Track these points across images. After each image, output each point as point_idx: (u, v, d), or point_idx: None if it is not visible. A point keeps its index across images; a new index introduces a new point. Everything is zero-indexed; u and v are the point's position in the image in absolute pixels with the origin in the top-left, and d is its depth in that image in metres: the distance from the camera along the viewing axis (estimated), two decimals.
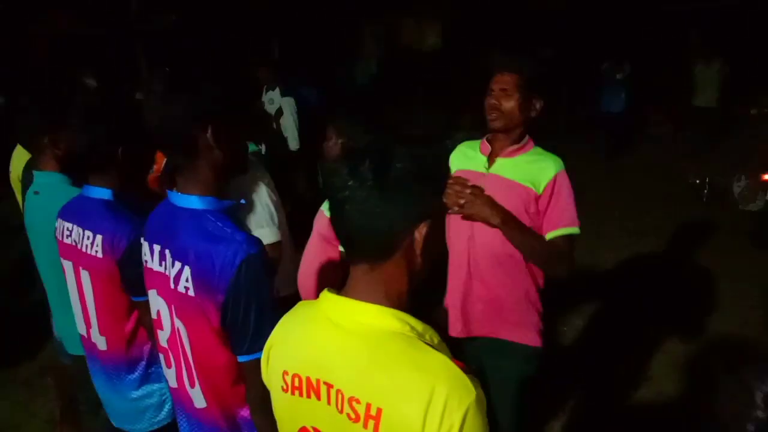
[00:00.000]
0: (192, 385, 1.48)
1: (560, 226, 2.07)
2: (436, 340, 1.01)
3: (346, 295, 1.04)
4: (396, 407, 0.92)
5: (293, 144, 5.70)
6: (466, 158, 2.25)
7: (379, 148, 1.00)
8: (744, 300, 4.36)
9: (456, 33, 12.02)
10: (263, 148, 5.69)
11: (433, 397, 0.90)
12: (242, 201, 1.51)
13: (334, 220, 1.03)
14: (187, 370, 1.48)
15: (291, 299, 1.53)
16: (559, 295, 4.48)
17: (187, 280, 1.35)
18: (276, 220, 2.25)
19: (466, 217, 2.06)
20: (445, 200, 1.90)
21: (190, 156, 1.40)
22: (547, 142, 2.21)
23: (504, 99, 2.09)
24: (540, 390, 2.37)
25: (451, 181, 2.03)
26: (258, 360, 1.22)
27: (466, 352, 2.32)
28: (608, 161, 8.62)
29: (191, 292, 1.35)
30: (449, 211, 2.03)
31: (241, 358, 1.37)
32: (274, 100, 5.74)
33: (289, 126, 5.67)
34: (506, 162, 2.14)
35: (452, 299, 2.30)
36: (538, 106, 2.13)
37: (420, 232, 1.00)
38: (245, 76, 5.97)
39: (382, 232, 0.99)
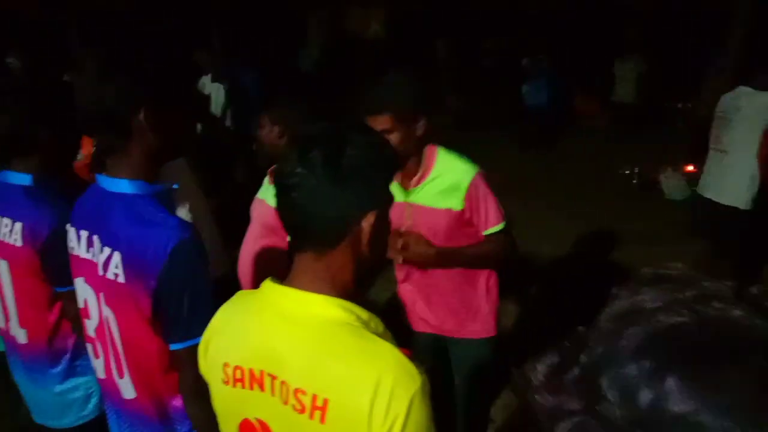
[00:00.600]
0: (121, 375, 1.44)
1: (489, 227, 2.11)
2: (380, 328, 1.01)
3: (291, 284, 1.03)
4: (342, 397, 0.92)
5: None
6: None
7: (331, 134, 0.99)
8: None
9: (400, 21, 12.03)
10: (198, 128, 5.59)
11: (379, 386, 0.90)
12: (174, 185, 1.47)
13: (281, 207, 1.02)
14: (115, 359, 1.43)
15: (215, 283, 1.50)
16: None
17: (116, 267, 1.31)
18: (187, 206, 2.21)
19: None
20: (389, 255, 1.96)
21: (122, 138, 1.35)
22: (481, 134, 2.22)
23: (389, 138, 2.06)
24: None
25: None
26: (191, 348, 1.20)
27: (424, 344, 2.37)
28: (539, 153, 8.87)
29: (121, 279, 1.31)
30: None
31: (173, 346, 1.34)
32: (205, 85, 5.63)
33: (216, 112, 5.59)
34: (422, 190, 2.11)
35: (407, 299, 2.36)
36: (422, 123, 2.02)
37: (368, 221, 1.00)
38: (186, 59, 5.81)
39: (330, 220, 0.98)
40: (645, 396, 0.44)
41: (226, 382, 1.04)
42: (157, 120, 1.35)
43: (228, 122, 5.62)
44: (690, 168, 7.17)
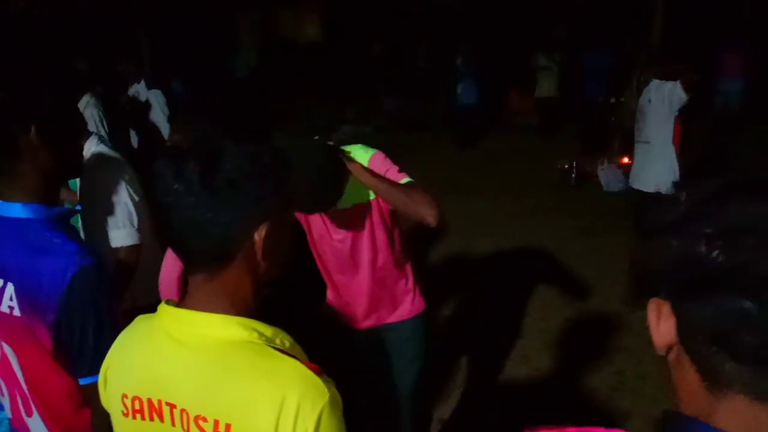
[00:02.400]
0: (29, 414, 1.34)
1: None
2: (287, 342, 0.95)
3: (186, 306, 0.96)
4: (246, 420, 0.87)
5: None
6: None
7: (205, 147, 0.92)
8: (607, 276, 4.67)
9: (335, 25, 11.98)
10: (135, 141, 5.40)
11: (284, 404, 0.85)
12: (78, 207, 1.37)
13: (161, 227, 0.94)
14: (21, 397, 1.32)
15: (155, 307, 1.41)
16: (437, 277, 4.64)
17: (11, 299, 1.21)
18: (135, 221, 2.10)
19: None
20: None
21: (11, 159, 1.24)
22: (417, 135, 2.21)
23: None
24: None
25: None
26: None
27: (359, 343, 2.40)
28: (475, 152, 9.00)
29: (16, 312, 1.20)
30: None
31: (82, 381, 1.25)
32: (140, 93, 5.44)
33: (159, 119, 5.39)
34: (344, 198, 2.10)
35: (340, 296, 2.36)
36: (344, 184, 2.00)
37: (259, 234, 0.93)
38: (99, 67, 5.61)
39: (215, 240, 0.91)
40: None
41: (126, 414, 0.97)
42: (50, 136, 1.24)
43: (165, 131, 5.44)
44: (625, 160, 7.39)
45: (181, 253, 0.96)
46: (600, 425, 0.71)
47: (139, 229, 2.13)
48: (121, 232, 2.07)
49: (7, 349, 1.27)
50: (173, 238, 0.94)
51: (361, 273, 2.25)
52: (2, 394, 1.37)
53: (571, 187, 7.25)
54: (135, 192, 2.14)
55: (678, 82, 3.77)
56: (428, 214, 1.90)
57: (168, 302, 0.98)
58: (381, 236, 2.19)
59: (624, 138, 7.72)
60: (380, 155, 2.10)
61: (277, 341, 0.94)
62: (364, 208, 2.13)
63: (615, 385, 3.43)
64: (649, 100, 3.97)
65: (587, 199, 6.62)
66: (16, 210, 1.24)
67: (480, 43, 9.97)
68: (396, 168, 2.07)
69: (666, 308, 0.63)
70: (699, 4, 8.25)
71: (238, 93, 9.14)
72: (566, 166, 7.53)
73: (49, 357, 1.23)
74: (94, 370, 1.20)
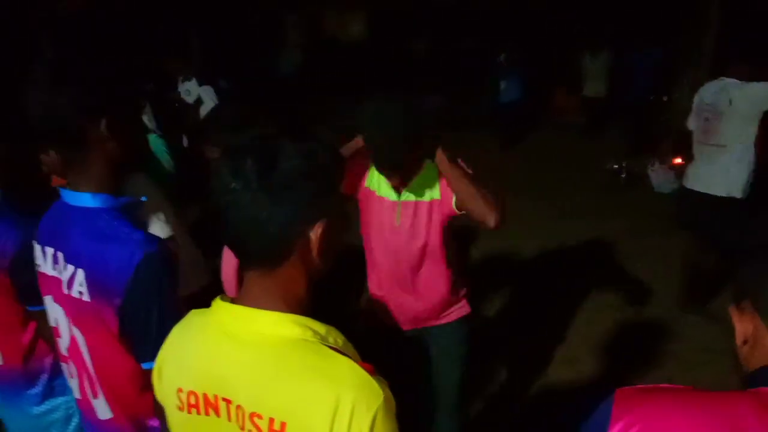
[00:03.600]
0: (95, 396, 1.38)
1: None
2: (340, 341, 0.96)
3: (240, 302, 0.97)
4: (301, 420, 0.87)
5: None
6: (378, 182, 2.28)
7: (262, 145, 0.93)
8: (659, 279, 4.56)
9: (380, 22, 12.01)
10: (185, 140, 5.49)
11: (339, 405, 0.86)
12: (143, 198, 1.41)
13: (219, 225, 0.95)
14: (89, 379, 1.37)
15: (191, 299, 1.45)
16: (483, 279, 4.60)
17: (80, 285, 1.25)
18: (162, 215, 2.15)
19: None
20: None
21: (81, 150, 1.29)
22: (461, 133, 2.23)
23: (398, 180, 2.14)
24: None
25: None
26: None
27: (399, 342, 2.40)
28: (519, 150, 8.89)
29: (86, 297, 1.25)
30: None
31: (145, 366, 1.28)
32: (191, 91, 5.53)
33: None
34: (412, 186, 2.20)
35: (388, 295, 2.36)
36: (422, 150, 2.13)
37: (315, 233, 0.94)
38: (150, 65, 5.73)
39: (272, 238, 0.92)
40: None
41: (181, 408, 0.99)
42: (119, 128, 1.29)
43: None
44: (678, 161, 7.18)
45: (237, 251, 0.97)
46: None
47: (168, 223, 2.18)
48: (156, 226, 2.11)
49: (77, 333, 1.32)
50: (230, 236, 0.95)
51: (415, 271, 2.27)
52: (72, 376, 1.42)
53: (620, 187, 7.10)
54: (165, 215, 2.18)
55: None
56: (491, 217, 2.02)
57: (223, 298, 1.00)
58: (437, 236, 2.22)
59: (676, 138, 7.54)
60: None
61: (330, 339, 0.94)
62: (429, 205, 2.19)
63: None
64: (730, 102, 3.66)
65: (637, 201, 6.47)
66: (86, 200, 1.29)
67: (524, 41, 9.83)
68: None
69: (745, 303, 0.77)
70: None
71: (279, 94, 9.23)
72: (615, 167, 7.38)
73: (115, 341, 1.27)
74: (156, 355, 1.25)
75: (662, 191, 6.75)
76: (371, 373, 0.90)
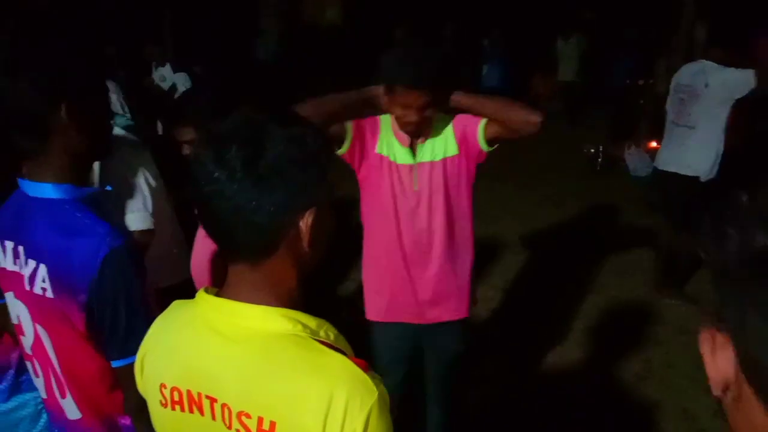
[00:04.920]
0: (63, 395, 1.33)
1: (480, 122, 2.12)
2: (332, 335, 0.91)
3: (227, 296, 0.92)
4: (291, 419, 0.83)
5: None
6: (390, 146, 2.17)
7: (247, 130, 0.87)
8: (635, 263, 4.59)
9: (357, 7, 11.88)
10: (159, 127, 5.40)
11: (332, 403, 0.82)
12: (108, 187, 1.35)
13: (203, 218, 0.90)
14: (55, 378, 1.32)
15: (176, 289, 1.39)
16: None
17: (43, 281, 1.19)
18: (150, 205, 2.08)
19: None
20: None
21: (41, 139, 1.22)
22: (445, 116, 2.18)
23: (417, 115, 2.00)
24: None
25: None
26: (132, 365, 1.09)
27: (394, 336, 2.32)
28: None
29: (49, 294, 1.19)
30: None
31: (114, 363, 1.23)
32: (165, 76, 5.44)
33: None
34: (425, 145, 2.14)
35: (391, 286, 2.26)
36: (448, 93, 2.09)
37: (305, 222, 0.89)
38: (123, 50, 5.62)
39: (260, 229, 0.87)
40: None
41: (164, 405, 0.94)
42: (82, 116, 1.22)
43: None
44: (653, 144, 7.24)
45: (222, 244, 0.92)
46: (626, 414, 0.68)
47: (155, 214, 2.12)
48: (136, 216, 2.04)
49: (41, 331, 1.26)
50: (215, 228, 0.90)
51: (435, 249, 2.18)
52: (37, 375, 1.37)
53: (597, 172, 7.14)
54: (152, 176, 2.12)
55: (751, 70, 3.51)
56: (531, 116, 2.02)
57: (207, 290, 0.95)
58: (462, 196, 2.16)
59: (652, 122, 7.60)
60: (462, 115, 2.15)
61: (322, 333, 0.90)
62: (448, 163, 2.12)
63: (643, 373, 3.38)
64: (706, 85, 3.70)
65: (614, 185, 6.51)
66: (47, 190, 1.23)
67: (506, 26, 9.81)
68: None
69: (720, 338, 0.55)
70: None
71: (255, 80, 9.09)
72: (592, 151, 7.41)
73: (82, 339, 1.22)
74: (126, 352, 1.20)
75: (638, 175, 6.78)
76: (365, 369, 0.86)
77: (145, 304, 1.20)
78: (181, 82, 5.37)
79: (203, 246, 2.09)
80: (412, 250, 2.19)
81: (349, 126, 2.14)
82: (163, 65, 5.49)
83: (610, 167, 7.10)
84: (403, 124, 2.06)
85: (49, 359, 1.29)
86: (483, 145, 2.10)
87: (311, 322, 0.90)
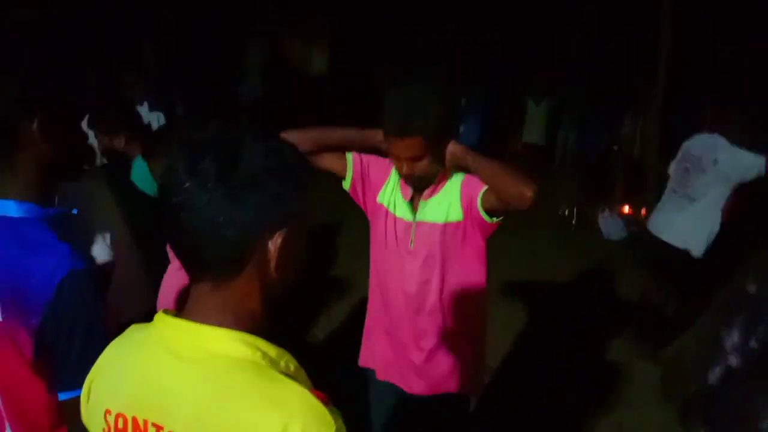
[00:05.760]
0: (1, 429, 1.23)
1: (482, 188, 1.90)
2: (292, 366, 0.86)
3: (186, 316, 0.86)
4: None
5: None
6: (392, 199, 2.03)
7: (223, 141, 0.83)
8: (607, 324, 4.59)
9: (343, 57, 12.10)
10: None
11: None
12: (74, 211, 1.28)
13: (169, 230, 0.85)
14: None
15: (138, 322, 1.32)
16: None
17: None
18: (107, 237, 2.01)
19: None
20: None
21: (9, 150, 1.17)
22: None
23: (415, 164, 1.84)
24: None
25: None
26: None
27: (384, 394, 2.16)
28: None
29: None
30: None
31: (61, 396, 1.14)
32: (142, 115, 5.42)
33: None
34: (429, 204, 1.96)
35: (378, 339, 2.13)
36: (447, 143, 1.91)
37: (275, 243, 0.84)
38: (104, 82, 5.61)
39: (228, 244, 0.82)
40: None
41: None
42: (52, 130, 1.17)
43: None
44: (626, 210, 7.39)
45: (187, 259, 0.87)
46: None
47: (115, 245, 2.05)
48: (94, 247, 1.98)
49: None
50: (180, 241, 0.85)
51: (424, 317, 1.99)
52: None
53: (571, 232, 7.20)
54: (110, 206, 2.05)
55: (764, 158, 3.40)
56: (528, 187, 1.75)
57: (166, 312, 0.89)
58: (464, 272, 1.95)
59: (626, 186, 7.76)
60: (472, 179, 1.93)
61: (282, 363, 0.85)
62: (450, 228, 1.92)
63: None
64: (715, 161, 3.59)
65: (587, 246, 6.55)
66: (10, 208, 1.16)
67: (483, 86, 10.08)
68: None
69: None
70: (714, 42, 8.25)
71: (237, 121, 9.13)
72: (567, 213, 7.50)
73: (28, 367, 1.13)
74: (76, 384, 1.10)
75: (611, 238, 6.88)
76: (324, 402, 0.81)
77: (102, 333, 1.12)
78: (155, 120, 5.36)
79: (173, 279, 2.02)
80: (400, 312, 2.03)
81: (350, 159, 2.01)
82: (141, 104, 5.47)
83: (584, 228, 7.18)
84: (404, 178, 1.92)
85: None
86: (485, 216, 1.89)
87: (271, 350, 0.85)
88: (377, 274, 2.09)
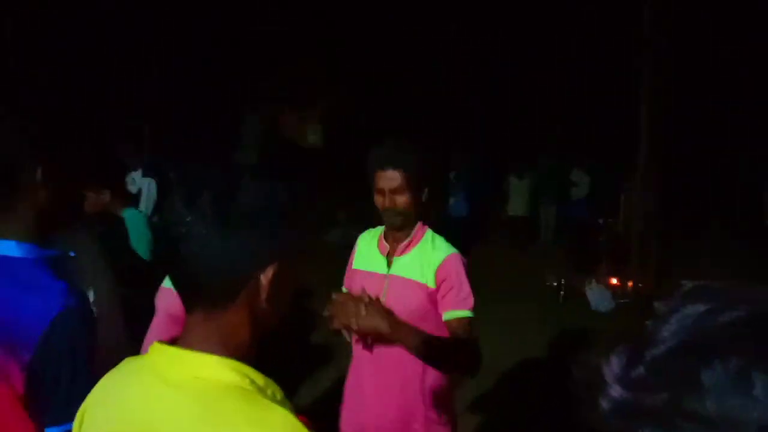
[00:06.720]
0: None
1: (454, 308, 1.99)
2: (279, 395, 0.90)
3: (180, 345, 0.91)
4: None
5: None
6: (366, 257, 2.17)
7: (221, 178, 0.92)
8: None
9: (336, 130, 12.43)
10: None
11: None
12: (71, 253, 1.34)
13: (169, 261, 0.92)
14: None
15: None
16: None
17: None
18: (91, 293, 2.03)
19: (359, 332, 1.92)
20: (333, 322, 1.88)
21: (12, 197, 1.24)
22: None
23: (397, 197, 1.99)
24: None
25: (340, 299, 1.90)
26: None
27: None
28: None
29: None
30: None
31: (49, 431, 1.16)
32: (135, 180, 5.54)
33: (147, 209, 5.44)
34: (403, 260, 2.07)
35: (350, 397, 2.15)
36: (427, 191, 2.08)
37: (266, 276, 0.90)
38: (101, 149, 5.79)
39: (222, 275, 0.88)
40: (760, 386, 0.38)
41: None
42: (53, 178, 1.24)
43: (155, 217, 5.50)
44: (614, 281, 7.46)
45: (183, 289, 0.93)
46: None
47: (99, 301, 2.06)
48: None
49: None
50: (179, 273, 0.92)
51: (395, 373, 2.01)
52: None
53: (559, 303, 7.23)
54: (99, 263, 2.08)
55: None
56: (463, 374, 1.92)
57: (160, 342, 0.94)
58: (426, 325, 1.94)
59: (612, 258, 7.85)
60: (457, 262, 2.03)
61: (269, 392, 0.89)
62: (421, 288, 2.01)
63: None
64: None
65: (575, 317, 6.57)
66: (10, 248, 1.22)
67: (472, 160, 10.39)
68: (467, 284, 2.01)
69: None
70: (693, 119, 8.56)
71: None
72: (555, 284, 7.55)
73: (18, 402, 1.15)
74: (64, 418, 1.13)
75: (599, 310, 6.92)
76: (308, 426, 0.84)
77: (89, 372, 1.15)
78: (148, 189, 5.49)
79: (159, 329, 2.04)
80: (369, 366, 2.07)
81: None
82: (135, 170, 5.60)
83: (571, 299, 7.22)
84: (384, 214, 2.03)
85: None
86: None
87: (259, 379, 0.89)
88: (357, 341, 2.10)
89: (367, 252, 2.16)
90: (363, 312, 1.80)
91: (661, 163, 7.16)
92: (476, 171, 10.34)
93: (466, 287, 2.01)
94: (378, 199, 2.03)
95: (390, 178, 1.97)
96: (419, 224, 2.11)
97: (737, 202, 11.01)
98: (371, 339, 1.99)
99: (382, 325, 1.80)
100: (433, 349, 1.88)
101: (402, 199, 1.99)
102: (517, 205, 9.95)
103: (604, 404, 0.46)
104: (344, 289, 2.22)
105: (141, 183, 5.54)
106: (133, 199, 5.41)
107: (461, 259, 2.06)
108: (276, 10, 11.73)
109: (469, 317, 1.98)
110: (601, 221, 8.59)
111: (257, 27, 11.53)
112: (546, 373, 5.03)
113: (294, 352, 4.29)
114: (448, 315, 1.99)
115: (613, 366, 0.47)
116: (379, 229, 2.19)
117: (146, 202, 5.48)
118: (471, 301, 2.00)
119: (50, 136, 1.26)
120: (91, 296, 2.01)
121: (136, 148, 6.02)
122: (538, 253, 9.28)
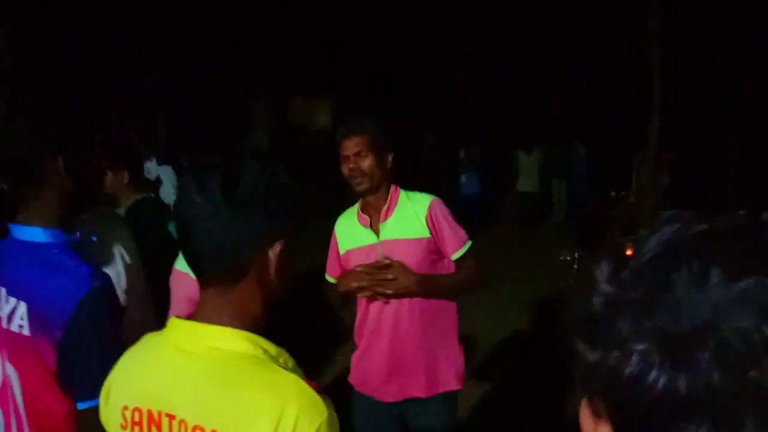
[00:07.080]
0: None
1: (458, 249, 2.20)
2: (290, 363, 0.97)
3: (195, 319, 0.98)
4: (242, 430, 0.87)
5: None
6: (352, 236, 2.24)
7: (227, 162, 0.97)
8: None
9: (345, 114, 12.43)
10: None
11: (282, 417, 0.86)
12: (94, 238, 1.41)
13: (182, 241, 0.98)
14: (17, 421, 1.31)
15: None
16: None
17: (22, 318, 1.23)
18: (123, 283, 2.07)
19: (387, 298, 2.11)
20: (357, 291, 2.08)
21: (36, 185, 1.30)
22: None
23: (360, 160, 2.13)
24: None
25: (367, 270, 2.06)
26: (98, 408, 1.10)
27: (370, 410, 2.28)
28: (475, 239, 9.15)
29: (26, 331, 1.23)
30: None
31: (80, 405, 1.25)
32: (150, 170, 5.58)
33: (168, 196, 5.48)
34: (389, 224, 2.17)
35: (376, 362, 2.23)
36: (390, 158, 2.20)
37: (274, 251, 0.97)
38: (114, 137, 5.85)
39: (231, 252, 0.95)
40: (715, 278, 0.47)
41: (125, 427, 0.97)
42: (75, 166, 1.31)
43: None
44: (629, 253, 7.45)
45: (196, 266, 0.99)
46: None
47: (128, 291, 2.10)
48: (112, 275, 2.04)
49: (11, 371, 1.28)
50: (191, 250, 0.97)
51: (402, 323, 2.15)
52: None
53: (573, 278, 7.24)
54: (129, 254, 2.13)
55: None
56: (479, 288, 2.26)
57: (178, 317, 1.00)
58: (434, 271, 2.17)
59: (624, 231, 7.85)
60: (439, 203, 2.22)
61: (281, 360, 0.95)
62: (418, 243, 2.14)
63: None
64: None
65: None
66: (37, 234, 1.29)
67: (482, 138, 10.37)
68: (454, 222, 2.21)
69: (601, 408, 0.56)
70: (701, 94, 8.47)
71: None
72: (568, 258, 7.56)
73: (52, 379, 1.24)
74: (94, 394, 1.20)
75: None
76: (317, 390, 0.91)
77: (117, 347, 1.22)
78: (166, 176, 5.52)
79: (177, 310, 2.09)
80: (376, 321, 2.20)
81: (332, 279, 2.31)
82: (150, 159, 5.64)
83: (584, 274, 7.22)
84: (351, 179, 2.17)
85: (14, 401, 1.29)
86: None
87: (272, 348, 0.95)
88: (362, 303, 2.25)
89: (350, 231, 2.25)
90: (390, 277, 2.03)
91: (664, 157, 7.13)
92: (488, 148, 10.33)
93: (455, 225, 2.21)
94: (344, 168, 2.17)
95: (352, 143, 2.13)
96: (393, 187, 2.23)
97: (739, 193, 10.92)
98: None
99: (412, 285, 2.03)
100: (452, 288, 2.22)
101: (366, 162, 2.13)
102: (527, 181, 9.94)
103: (596, 299, 0.55)
104: (328, 277, 2.33)
105: (158, 171, 5.56)
106: (151, 186, 5.46)
107: (442, 203, 2.23)
108: (276, 10, 11.69)
109: (470, 246, 2.23)
110: (613, 194, 8.58)
111: (257, 27, 11.51)
112: (556, 354, 5.07)
113: (304, 327, 4.37)
114: (455, 256, 2.20)
115: (603, 270, 0.57)
116: (354, 208, 2.28)
117: (167, 191, 5.50)
118: (464, 233, 2.23)
119: (67, 126, 1.32)
120: (122, 279, 2.05)
121: (147, 139, 6.03)
122: (551, 228, 9.29)
